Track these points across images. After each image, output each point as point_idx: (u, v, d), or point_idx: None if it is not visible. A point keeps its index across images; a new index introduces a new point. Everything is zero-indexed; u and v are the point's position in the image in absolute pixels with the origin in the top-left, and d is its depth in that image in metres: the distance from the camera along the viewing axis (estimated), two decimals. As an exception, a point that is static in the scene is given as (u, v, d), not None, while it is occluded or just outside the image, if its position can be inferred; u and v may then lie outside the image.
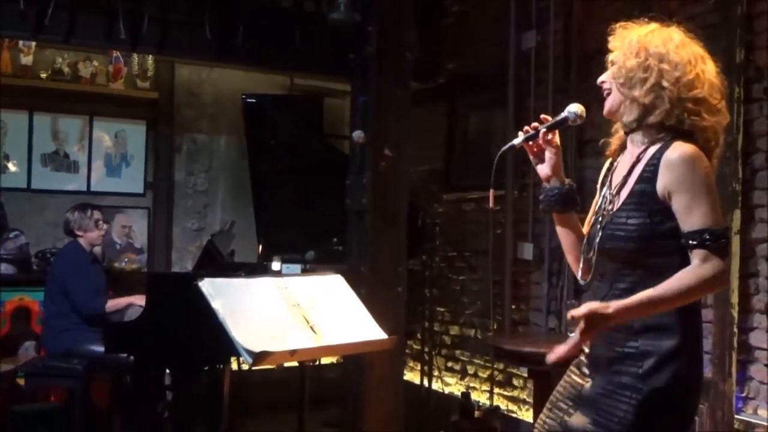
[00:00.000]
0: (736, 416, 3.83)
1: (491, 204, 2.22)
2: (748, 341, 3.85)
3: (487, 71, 5.73)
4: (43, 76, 6.05)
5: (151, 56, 6.29)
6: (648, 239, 2.00)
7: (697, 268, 1.93)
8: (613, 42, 2.17)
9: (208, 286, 2.68)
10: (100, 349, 4.43)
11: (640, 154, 2.08)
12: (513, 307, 5.49)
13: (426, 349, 5.46)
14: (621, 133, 2.19)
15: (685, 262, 1.96)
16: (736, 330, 3.84)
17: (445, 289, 6.24)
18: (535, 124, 2.16)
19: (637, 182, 2.05)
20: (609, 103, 2.14)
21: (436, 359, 5.98)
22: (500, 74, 5.56)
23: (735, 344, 3.83)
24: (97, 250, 5.30)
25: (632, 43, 2.09)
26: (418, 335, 5.57)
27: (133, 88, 6.41)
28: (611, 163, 2.25)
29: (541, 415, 2.24)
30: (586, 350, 2.18)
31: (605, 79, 2.16)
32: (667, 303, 1.94)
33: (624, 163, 2.15)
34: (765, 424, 3.75)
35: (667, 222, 1.99)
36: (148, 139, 6.56)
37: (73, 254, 5.04)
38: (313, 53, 5.56)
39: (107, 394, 5.11)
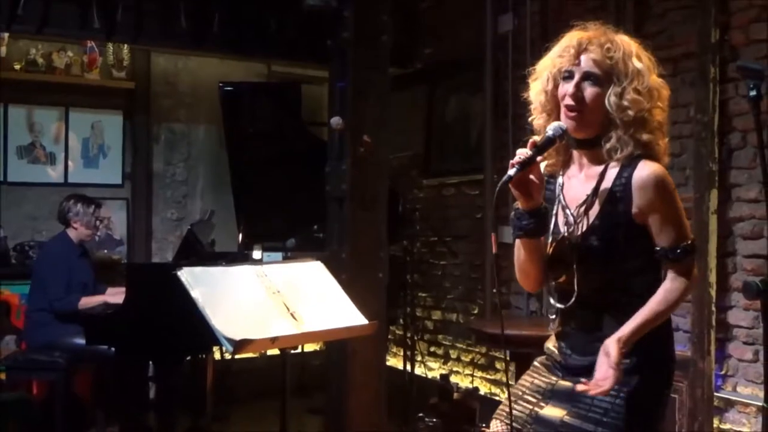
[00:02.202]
0: (715, 394, 3.87)
1: (495, 249, 2.17)
2: (726, 320, 3.89)
3: (465, 55, 5.72)
4: (17, 67, 5.98)
5: (126, 46, 6.23)
6: (621, 259, 2.03)
7: (675, 281, 2.02)
8: (591, 50, 2.03)
9: (186, 275, 2.66)
10: (82, 341, 4.41)
11: (603, 171, 2.05)
12: (494, 290, 5.51)
13: (408, 335, 5.47)
14: (563, 146, 2.11)
15: (656, 278, 2.04)
16: (714, 309, 3.87)
17: (426, 275, 6.26)
18: (525, 150, 1.98)
19: (607, 202, 2.03)
20: (584, 125, 2.04)
21: (419, 344, 6.00)
22: (478, 58, 5.55)
23: (713, 323, 3.86)
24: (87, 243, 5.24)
25: (641, 76, 2.01)
26: (401, 321, 5.58)
27: (108, 78, 6.35)
28: (551, 177, 2.17)
29: (503, 405, 2.20)
30: (555, 352, 2.19)
31: (583, 94, 2.02)
32: (659, 319, 2.02)
33: (578, 181, 2.11)
34: (744, 401, 3.80)
35: (638, 240, 2.02)
36: (125, 129, 6.52)
37: (59, 247, 5.01)
38: (290, 40, 5.53)
39: (90, 386, 5.09)
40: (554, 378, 2.16)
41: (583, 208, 2.07)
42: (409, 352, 5.45)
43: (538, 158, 1.99)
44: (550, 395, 2.13)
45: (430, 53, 6.10)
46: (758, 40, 3.78)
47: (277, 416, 3.23)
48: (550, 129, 2.01)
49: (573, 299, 2.08)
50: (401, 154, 6.22)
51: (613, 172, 2.04)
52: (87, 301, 4.82)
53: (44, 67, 6.09)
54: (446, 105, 6.08)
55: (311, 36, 5.18)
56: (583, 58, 2.04)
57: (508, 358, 3.85)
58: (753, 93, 2.06)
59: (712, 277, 3.87)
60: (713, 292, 3.87)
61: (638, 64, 2.03)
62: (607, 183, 2.04)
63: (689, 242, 2.02)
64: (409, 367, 5.38)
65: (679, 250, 2.00)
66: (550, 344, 2.24)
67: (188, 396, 4.85)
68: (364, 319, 2.97)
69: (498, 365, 5.49)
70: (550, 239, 2.13)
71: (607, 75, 2.02)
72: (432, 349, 6.34)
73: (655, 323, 2.01)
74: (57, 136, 6.27)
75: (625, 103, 1.99)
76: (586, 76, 2.03)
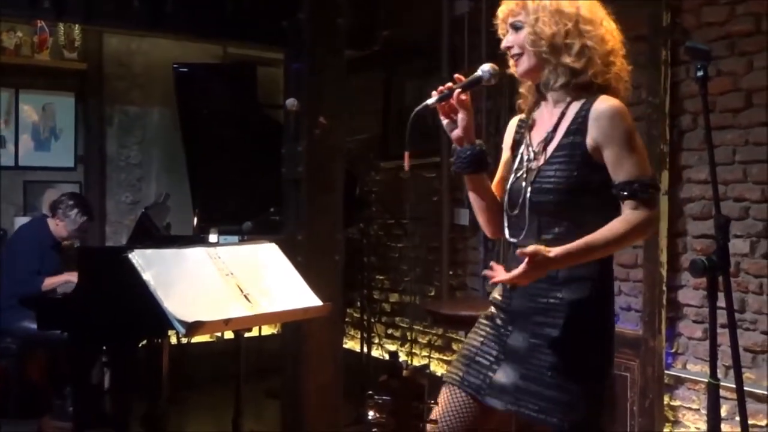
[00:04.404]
0: (666, 372, 3.95)
1: (407, 167, 2.20)
2: (676, 299, 3.96)
3: (422, 38, 5.72)
4: (-36, 48, 5.85)
5: (78, 26, 6.11)
6: (575, 192, 2.04)
7: (629, 216, 2.00)
8: (508, 3, 2.18)
9: (138, 257, 2.63)
10: (34, 326, 4.34)
11: (564, 109, 2.11)
12: (450, 272, 5.54)
13: (365, 317, 5.49)
14: (533, 88, 2.22)
15: (610, 215, 2.02)
16: (665, 288, 3.94)
17: (383, 257, 6.28)
18: (449, 84, 2.14)
19: (564, 136, 2.08)
20: (525, 66, 2.15)
21: (376, 326, 6.02)
22: (434, 41, 5.55)
23: (664, 302, 3.93)
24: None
25: (543, 7, 2.10)
26: (358, 303, 5.59)
27: (60, 59, 6.22)
28: (522, 121, 2.27)
29: (454, 370, 2.23)
30: (499, 299, 2.22)
31: (512, 45, 2.16)
32: (603, 250, 2.00)
33: (543, 120, 2.18)
34: (694, 378, 3.87)
35: (594, 175, 2.04)
36: (77, 111, 6.41)
37: (35, 232, 4.95)
38: (246, 21, 5.47)
39: (43, 371, 5.02)
40: (500, 334, 2.17)
41: (543, 144, 2.13)
42: (366, 335, 5.46)
43: (464, 96, 2.12)
44: (502, 356, 2.15)
45: (387, 36, 6.09)
46: (710, 23, 3.83)
47: (231, 400, 3.22)
48: (480, 69, 2.13)
49: (524, 232, 2.11)
50: (358, 136, 6.20)
51: (574, 108, 2.09)
52: (50, 282, 4.75)
53: (-7, 47, 5.96)
54: (403, 88, 6.07)
55: (267, 17, 5.13)
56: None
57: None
58: (700, 73, 2.09)
59: (663, 257, 3.93)
60: (664, 272, 3.93)
61: None
62: (567, 118, 2.10)
63: (645, 178, 2.01)
64: (366, 350, 5.39)
65: (636, 184, 1.99)
66: (496, 293, 2.27)
67: (144, 381, 4.81)
68: (319, 300, 2.97)
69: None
70: (512, 176, 2.20)
71: (524, 19, 2.13)
72: (389, 331, 6.36)
73: (598, 252, 1.99)
74: (7, 119, 6.14)
75: (537, 34, 2.09)
76: (512, 27, 2.16)
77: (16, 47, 6.02)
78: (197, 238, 5.48)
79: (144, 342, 4.74)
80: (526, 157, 2.17)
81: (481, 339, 2.22)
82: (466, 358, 2.23)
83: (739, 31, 3.71)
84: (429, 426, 2.10)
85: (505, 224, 2.21)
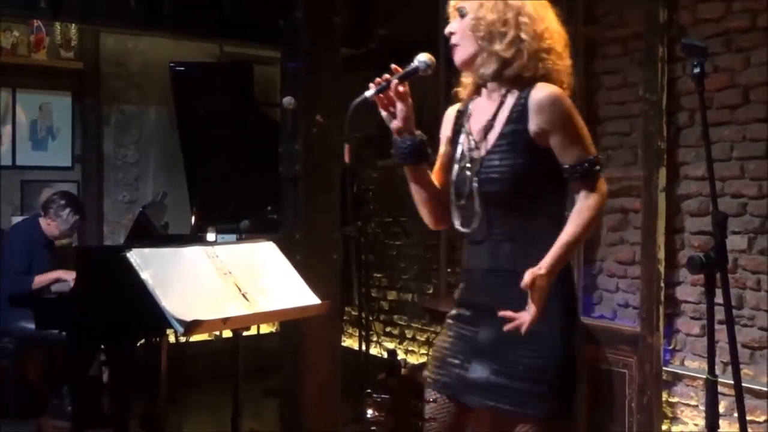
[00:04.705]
0: (664, 368, 3.94)
1: (347, 159, 2.21)
2: (674, 295, 3.96)
3: (418, 36, 5.71)
4: (-39, 48, 5.84)
5: (74, 25, 6.10)
6: (522, 179, 2.06)
7: (587, 198, 2.04)
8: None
9: (136, 256, 2.63)
10: (32, 326, 4.34)
11: (503, 98, 2.13)
12: (448, 270, 5.54)
13: (363, 315, 5.48)
14: (470, 82, 2.24)
15: (558, 200, 2.06)
16: (662, 285, 3.93)
17: (381, 255, 6.27)
18: (386, 75, 2.15)
19: (506, 124, 2.10)
20: (462, 55, 2.18)
21: (375, 324, 6.02)
22: (430, 38, 5.54)
23: (662, 299, 3.93)
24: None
25: None
26: (356, 301, 5.58)
27: (56, 58, 6.22)
28: (460, 111, 2.28)
29: (428, 373, 2.24)
30: (464, 297, 2.22)
31: (455, 30, 2.18)
32: (579, 243, 2.06)
33: (482, 109, 2.19)
34: (692, 374, 3.88)
35: (538, 162, 2.05)
36: (74, 110, 6.40)
37: (26, 231, 4.94)
38: (242, 20, 5.47)
39: (41, 371, 5.02)
40: (469, 333, 2.17)
41: (483, 132, 2.15)
42: (364, 333, 5.46)
43: (402, 88, 2.11)
44: (471, 354, 2.15)
45: (383, 34, 6.08)
46: (706, 19, 3.83)
47: (230, 399, 3.22)
48: (416, 59, 2.14)
49: (477, 223, 2.12)
50: (355, 134, 6.20)
51: (513, 96, 2.11)
52: (40, 280, 4.75)
53: (-11, 47, 5.95)
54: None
55: (263, 15, 5.13)
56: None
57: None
58: (697, 70, 2.09)
59: (661, 254, 3.93)
60: (662, 269, 3.93)
61: None
62: (507, 107, 2.12)
63: (593, 158, 2.06)
64: (364, 348, 5.39)
65: (586, 164, 2.04)
66: (461, 290, 2.27)
67: (142, 380, 4.81)
68: (317, 298, 2.97)
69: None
70: (455, 166, 2.20)
71: (470, 5, 2.16)
72: (387, 329, 6.36)
73: (577, 246, 2.05)
74: (4, 118, 6.13)
75: (478, 18, 2.12)
76: (458, 13, 2.19)
77: (13, 47, 6.02)
78: (195, 237, 5.48)
79: (142, 341, 4.74)
80: (467, 147, 2.18)
81: (450, 339, 2.22)
82: (437, 360, 2.24)
83: (736, 27, 3.70)
84: (426, 424, 2.11)
85: (455, 214, 2.21)
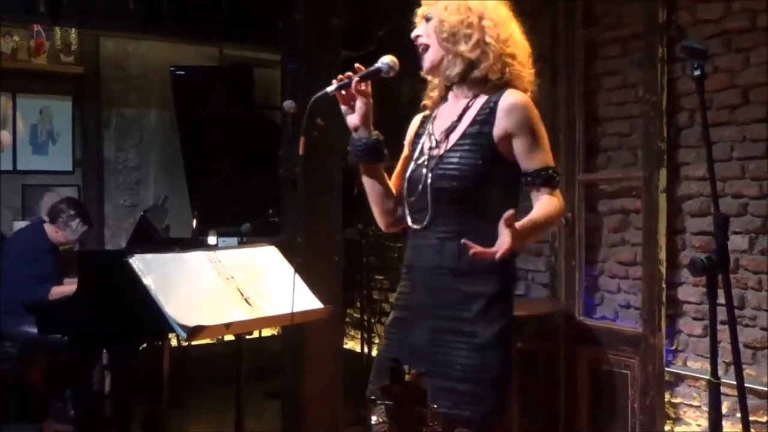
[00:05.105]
0: (666, 369, 3.94)
1: (302, 151, 2.21)
2: (676, 296, 3.96)
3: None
4: (-39, 53, 5.84)
5: (74, 30, 6.10)
6: (478, 181, 2.06)
7: (551, 198, 2.06)
8: (426, 2, 2.22)
9: (138, 262, 2.64)
10: (34, 330, 4.34)
11: (470, 101, 2.15)
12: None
13: (365, 317, 5.49)
14: (439, 85, 2.25)
15: (505, 205, 1.98)
16: (664, 286, 3.93)
17: (382, 257, 6.27)
18: (349, 73, 2.17)
19: (470, 125, 2.11)
20: (429, 59, 2.20)
21: (376, 327, 6.02)
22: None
23: (663, 299, 3.93)
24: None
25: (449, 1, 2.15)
26: (358, 304, 5.59)
27: (56, 63, 6.21)
28: (425, 117, 2.30)
29: (371, 384, 2.22)
30: (400, 298, 2.23)
31: (421, 33, 2.20)
32: (542, 227, 2.05)
33: (447, 112, 2.21)
34: (694, 375, 3.88)
35: (497, 167, 2.06)
36: (74, 115, 6.40)
37: (31, 238, 4.94)
38: (241, 22, 5.48)
39: (43, 375, 5.02)
40: (405, 337, 2.17)
41: (446, 132, 2.16)
42: (366, 335, 5.47)
43: (363, 86, 2.15)
44: (409, 357, 2.09)
45: (383, 35, 6.08)
46: (705, 20, 3.83)
47: (232, 402, 3.22)
48: (380, 61, 2.16)
49: (426, 219, 2.12)
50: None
51: (480, 100, 2.14)
52: (59, 290, 4.72)
53: (-11, 52, 5.96)
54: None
55: (262, 18, 5.14)
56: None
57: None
58: (697, 73, 2.09)
59: (662, 255, 3.93)
60: (663, 269, 3.93)
61: None
62: (473, 110, 2.14)
63: (553, 166, 2.09)
64: (366, 350, 5.40)
65: (550, 170, 2.06)
66: (397, 293, 2.28)
67: (145, 384, 4.82)
68: (319, 303, 2.98)
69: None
70: (411, 164, 2.22)
71: (435, 10, 2.19)
72: (389, 331, 6.36)
73: (540, 228, 2.04)
74: (4, 123, 6.14)
75: (442, 21, 2.14)
76: (425, 18, 2.22)
77: (13, 51, 6.02)
78: (196, 241, 5.48)
79: (144, 345, 4.75)
80: (427, 146, 2.19)
81: (387, 347, 2.23)
82: (376, 369, 2.24)
83: (736, 27, 3.70)
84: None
85: (406, 211, 2.21)
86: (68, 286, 4.78)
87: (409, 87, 2.33)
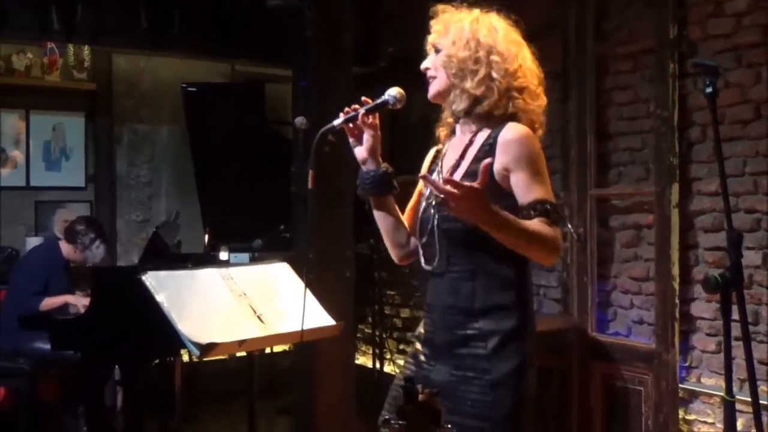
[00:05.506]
0: (680, 385, 3.92)
1: (311, 185, 2.20)
2: (689, 312, 3.94)
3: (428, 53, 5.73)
4: (-24, 70, 5.89)
5: (87, 47, 6.15)
6: None
7: (545, 225, 1.97)
8: (435, 26, 2.19)
9: (151, 279, 2.65)
10: (47, 346, 4.36)
11: (473, 137, 2.13)
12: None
13: (377, 333, 5.48)
14: (450, 119, 2.23)
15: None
16: (677, 301, 3.92)
17: (394, 272, 6.27)
18: (356, 105, 2.16)
19: (472, 163, 2.08)
20: (435, 88, 2.17)
21: (388, 342, 6.01)
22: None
23: (677, 315, 3.91)
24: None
25: (462, 32, 2.12)
26: (369, 319, 5.59)
27: (69, 79, 6.26)
28: (438, 151, 2.29)
29: (385, 413, 2.20)
30: (423, 333, 2.20)
31: (429, 65, 2.18)
32: (522, 235, 1.94)
33: (454, 147, 2.19)
34: (708, 391, 3.85)
35: (501, 201, 1.99)
36: (87, 131, 6.43)
37: (44, 253, 4.96)
38: (253, 39, 5.51)
39: (56, 391, 5.03)
40: (424, 372, 2.16)
41: (451, 171, 2.14)
42: (378, 350, 5.46)
43: (370, 119, 2.14)
44: (437, 392, 2.13)
45: (393, 52, 6.11)
46: (715, 35, 3.83)
47: (247, 417, 3.22)
48: (386, 93, 2.14)
49: (437, 260, 2.11)
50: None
51: (483, 135, 2.11)
52: (48, 302, 4.75)
53: (3, 69, 5.99)
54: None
55: (274, 35, 5.17)
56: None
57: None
58: (709, 90, 2.09)
59: (675, 270, 3.92)
60: (676, 285, 3.92)
61: (459, 24, 2.14)
62: (475, 146, 2.11)
63: (552, 200, 2.01)
64: (378, 366, 5.38)
65: (547, 204, 1.99)
66: (420, 327, 2.26)
67: (156, 398, 4.82)
68: (332, 320, 2.98)
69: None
70: (422, 203, 2.20)
71: (444, 41, 2.15)
72: (401, 346, 6.35)
73: (521, 234, 1.93)
74: (17, 139, 6.18)
75: (450, 56, 2.11)
76: (434, 48, 2.18)
77: (27, 68, 6.06)
78: (208, 256, 5.49)
79: (156, 360, 4.75)
80: (437, 177, 2.17)
81: (409, 373, 2.21)
82: (393, 399, 2.22)
83: (746, 42, 3.70)
84: None
85: (420, 251, 2.20)
86: (59, 298, 4.79)
87: (420, 104, 2.32)
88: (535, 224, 1.96)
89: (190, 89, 5.85)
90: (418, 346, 2.23)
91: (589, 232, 4.44)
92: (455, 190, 1.79)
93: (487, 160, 1.86)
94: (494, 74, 2.08)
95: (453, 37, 2.12)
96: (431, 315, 2.19)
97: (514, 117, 2.08)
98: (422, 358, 2.19)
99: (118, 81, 6.55)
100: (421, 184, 2.29)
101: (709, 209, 3.87)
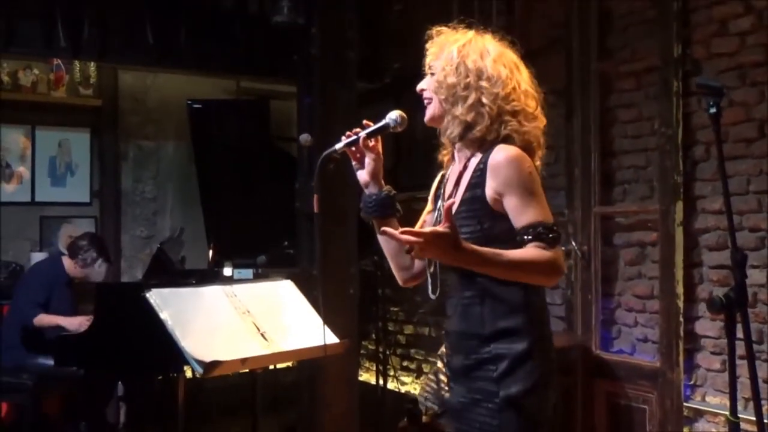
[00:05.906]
0: (684, 404, 3.90)
1: (317, 209, 2.20)
2: (694, 330, 3.93)
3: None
4: (-18, 86, 5.93)
5: (93, 63, 6.19)
6: (483, 245, 1.94)
7: (543, 250, 1.93)
8: (431, 48, 2.17)
9: (155, 297, 2.65)
10: (50, 362, 4.36)
11: (467, 162, 2.12)
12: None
13: (381, 349, 5.47)
14: (446, 143, 2.21)
15: None
16: (681, 320, 3.90)
17: (397, 289, 6.24)
18: (357, 129, 2.15)
19: (466, 190, 2.07)
20: (431, 112, 2.16)
21: (392, 359, 6.00)
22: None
23: (681, 333, 3.90)
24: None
25: (452, 57, 2.10)
26: (373, 335, 5.58)
27: (75, 95, 6.30)
28: (443, 175, 2.27)
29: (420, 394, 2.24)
30: (445, 354, 2.20)
31: (425, 87, 2.17)
32: (509, 266, 1.92)
33: (453, 174, 2.19)
34: (713, 410, 3.83)
35: (497, 226, 2.00)
36: (92, 147, 6.47)
37: (48, 269, 4.97)
38: (257, 56, 5.53)
39: (59, 407, 5.02)
40: (442, 391, 2.17)
41: (448, 198, 2.12)
42: (381, 367, 5.45)
43: (372, 142, 2.14)
44: (442, 412, 2.15)
45: (397, 68, 6.13)
46: (719, 54, 3.84)
47: (249, 435, 3.22)
48: (387, 116, 2.14)
49: (439, 289, 2.12)
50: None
51: (475, 161, 2.09)
52: (42, 319, 4.73)
53: (10, 85, 6.04)
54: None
55: (278, 51, 5.19)
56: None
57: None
58: (713, 110, 2.09)
59: (680, 288, 3.91)
60: (680, 303, 3.90)
61: (452, 47, 2.12)
62: (468, 173, 2.09)
63: (547, 222, 1.96)
64: (381, 382, 5.37)
65: (540, 228, 1.94)
66: (444, 347, 2.25)
67: (160, 414, 4.81)
68: (335, 337, 2.97)
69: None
70: None
71: (437, 65, 2.14)
72: (404, 363, 6.34)
73: (506, 265, 1.91)
74: (23, 155, 6.20)
75: (440, 81, 2.10)
76: (429, 71, 2.17)
77: (33, 84, 6.11)
78: (212, 272, 5.49)
79: (160, 376, 4.75)
80: (436, 214, 2.19)
81: (425, 395, 2.24)
82: (422, 397, 2.25)
83: (750, 61, 3.71)
84: None
85: (428, 281, 2.19)
86: (53, 318, 4.77)
87: (423, 122, 2.32)
88: (528, 252, 1.93)
89: (195, 106, 5.87)
90: (440, 365, 2.23)
91: (593, 250, 4.43)
92: (418, 239, 1.78)
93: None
94: (484, 99, 2.05)
95: (443, 63, 2.11)
96: (448, 339, 2.20)
97: (507, 139, 2.05)
98: (442, 377, 2.20)
99: (124, 97, 6.58)
100: (429, 205, 2.29)
101: (714, 227, 3.86)
